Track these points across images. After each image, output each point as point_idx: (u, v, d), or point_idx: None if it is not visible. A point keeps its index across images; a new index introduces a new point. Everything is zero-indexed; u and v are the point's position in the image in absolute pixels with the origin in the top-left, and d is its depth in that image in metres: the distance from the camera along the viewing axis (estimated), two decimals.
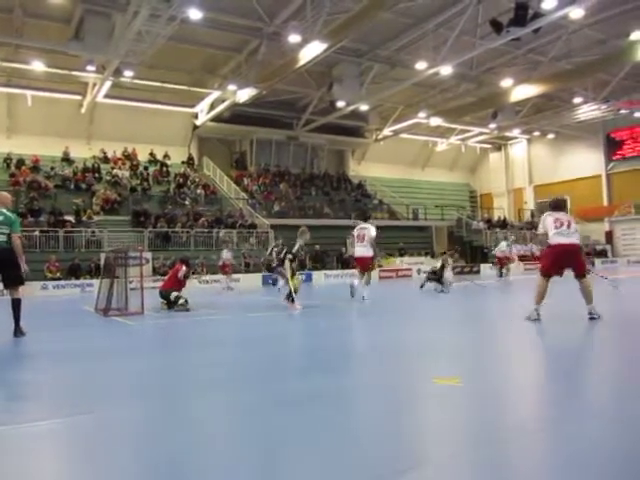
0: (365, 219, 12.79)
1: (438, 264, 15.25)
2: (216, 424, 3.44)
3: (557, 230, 7.42)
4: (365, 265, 11.97)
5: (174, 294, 11.38)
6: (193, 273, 13.95)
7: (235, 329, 8.71)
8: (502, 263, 20.89)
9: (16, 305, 7.34)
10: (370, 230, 11.97)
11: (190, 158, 32.08)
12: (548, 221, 7.61)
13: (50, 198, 24.19)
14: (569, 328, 7.19)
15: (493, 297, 14.75)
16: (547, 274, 7.57)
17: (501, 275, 20.63)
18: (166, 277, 12.69)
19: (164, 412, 3.67)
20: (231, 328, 8.87)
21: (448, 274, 14.80)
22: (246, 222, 27.19)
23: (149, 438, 3.19)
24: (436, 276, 14.84)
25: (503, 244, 21.57)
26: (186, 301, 11.35)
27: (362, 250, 11.89)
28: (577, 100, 30.27)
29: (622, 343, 6.12)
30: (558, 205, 7.97)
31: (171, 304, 11.28)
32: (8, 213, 7.48)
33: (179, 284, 11.71)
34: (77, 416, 3.54)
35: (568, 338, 6.53)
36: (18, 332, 7.23)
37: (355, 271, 12.93)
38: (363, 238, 11.93)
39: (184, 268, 11.83)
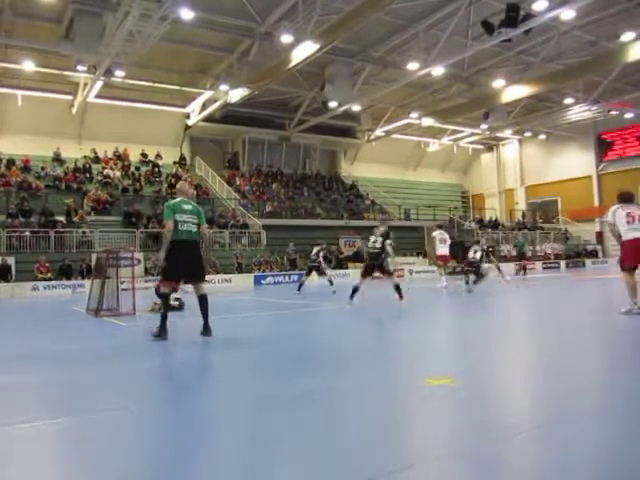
0: (439, 226, 17.56)
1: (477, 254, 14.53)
2: (203, 425, 3.43)
3: (630, 226, 7.70)
4: (447, 260, 16.73)
5: (173, 296, 11.35)
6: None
7: (225, 329, 8.68)
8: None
9: (204, 301, 7.02)
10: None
11: (182, 158, 31.96)
12: (620, 214, 7.84)
13: (41, 198, 24.02)
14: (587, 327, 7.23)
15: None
16: (629, 268, 7.79)
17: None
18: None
19: (152, 413, 3.66)
20: (222, 328, 8.83)
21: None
22: (238, 222, 27.14)
23: (137, 440, 3.18)
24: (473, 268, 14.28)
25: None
26: (182, 304, 11.31)
27: (446, 249, 16.17)
28: (568, 101, 30.44)
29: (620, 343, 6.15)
30: (628, 198, 8.18)
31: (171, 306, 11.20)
32: (195, 204, 7.33)
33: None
34: (66, 418, 3.53)
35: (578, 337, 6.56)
36: (207, 332, 6.88)
37: (440, 268, 16.83)
38: (445, 241, 16.25)
39: None
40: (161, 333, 6.81)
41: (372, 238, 11.16)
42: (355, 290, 10.88)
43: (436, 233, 16.64)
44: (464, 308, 11.43)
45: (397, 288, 10.91)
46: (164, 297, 7.02)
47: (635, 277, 7.80)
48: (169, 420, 3.46)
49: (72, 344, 7.19)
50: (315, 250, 16.89)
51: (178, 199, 7.15)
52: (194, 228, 6.97)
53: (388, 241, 11.04)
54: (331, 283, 16.07)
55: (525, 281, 21.00)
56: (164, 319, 6.86)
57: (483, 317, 9.66)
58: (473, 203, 44.42)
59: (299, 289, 16.31)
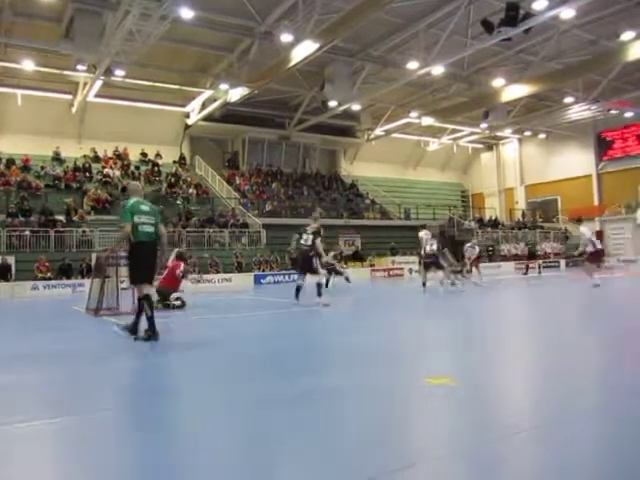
0: (423, 226, 17.52)
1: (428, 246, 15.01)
2: (203, 424, 3.43)
3: None
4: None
5: (174, 295, 11.44)
6: (190, 273, 13.96)
7: (226, 328, 8.69)
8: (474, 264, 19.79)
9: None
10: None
11: (182, 158, 31.94)
12: None
13: (40, 198, 24.00)
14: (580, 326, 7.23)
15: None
16: None
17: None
18: (164, 273, 12.48)
19: (152, 413, 3.65)
20: (221, 327, 8.84)
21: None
22: (238, 222, 27.13)
23: (137, 439, 3.17)
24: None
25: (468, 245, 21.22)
26: (183, 302, 11.42)
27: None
28: (568, 100, 30.42)
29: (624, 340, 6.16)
30: None
31: (168, 305, 11.29)
32: (150, 204, 7.14)
33: (177, 282, 11.69)
34: (65, 417, 3.53)
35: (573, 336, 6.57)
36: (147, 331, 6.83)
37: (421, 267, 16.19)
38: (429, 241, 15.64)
39: (182, 266, 11.84)
40: (151, 335, 6.70)
41: (304, 236, 11.47)
42: (299, 289, 11.41)
43: (422, 233, 16.63)
44: (463, 308, 11.43)
45: (319, 286, 11.30)
46: (145, 300, 6.79)
47: None
48: (169, 419, 3.46)
49: (72, 344, 7.19)
50: (332, 255, 17.54)
51: (134, 199, 6.96)
52: (152, 229, 6.80)
53: (319, 239, 11.24)
54: (348, 280, 17.13)
55: (527, 280, 21.07)
56: (151, 321, 6.73)
57: (483, 317, 9.66)
58: (473, 202, 44.37)
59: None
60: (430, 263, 14.97)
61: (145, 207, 6.89)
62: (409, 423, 3.39)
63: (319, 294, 11.23)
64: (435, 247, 14.98)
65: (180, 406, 3.77)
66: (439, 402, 3.68)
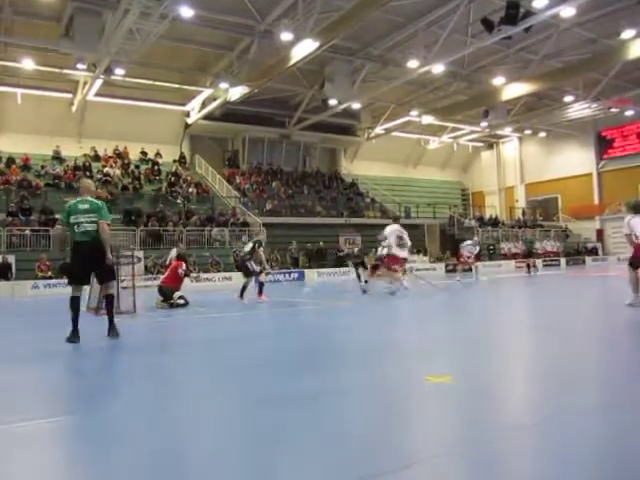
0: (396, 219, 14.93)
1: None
2: (198, 424, 3.43)
3: None
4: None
5: (177, 294, 11.51)
6: (191, 272, 14.05)
7: (225, 327, 8.69)
8: (468, 263, 19.82)
9: (110, 302, 6.94)
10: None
11: (182, 156, 31.95)
12: (633, 223, 8.61)
13: (41, 197, 24.01)
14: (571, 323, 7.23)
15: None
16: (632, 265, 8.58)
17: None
18: (166, 272, 12.65)
19: (151, 411, 3.65)
20: (222, 326, 8.85)
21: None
22: (238, 220, 27.12)
23: (135, 438, 3.17)
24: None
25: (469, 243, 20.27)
26: (186, 301, 11.47)
27: (405, 253, 13.45)
28: (568, 99, 30.43)
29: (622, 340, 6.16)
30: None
31: (172, 304, 11.35)
32: (94, 200, 6.97)
33: (179, 281, 11.77)
34: (65, 416, 3.53)
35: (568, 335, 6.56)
36: (113, 332, 6.80)
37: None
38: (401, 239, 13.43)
39: (184, 265, 11.95)
40: (74, 337, 6.48)
41: (248, 244, 13.01)
42: (244, 288, 12.31)
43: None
44: (462, 307, 11.43)
45: (261, 285, 12.44)
46: (73, 301, 6.66)
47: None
48: (168, 418, 3.46)
49: (72, 342, 7.17)
50: (356, 250, 18.62)
51: (76, 200, 6.95)
52: (91, 227, 6.65)
53: (261, 248, 12.50)
54: (365, 280, 15.95)
55: (531, 279, 21.15)
56: (75, 323, 6.56)
57: (483, 316, 9.66)
58: (473, 201, 44.39)
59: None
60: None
61: (84, 205, 6.78)
62: (409, 422, 3.38)
63: (260, 293, 12.31)
64: (385, 252, 13.50)
65: (180, 405, 3.77)
66: (439, 400, 3.67)
